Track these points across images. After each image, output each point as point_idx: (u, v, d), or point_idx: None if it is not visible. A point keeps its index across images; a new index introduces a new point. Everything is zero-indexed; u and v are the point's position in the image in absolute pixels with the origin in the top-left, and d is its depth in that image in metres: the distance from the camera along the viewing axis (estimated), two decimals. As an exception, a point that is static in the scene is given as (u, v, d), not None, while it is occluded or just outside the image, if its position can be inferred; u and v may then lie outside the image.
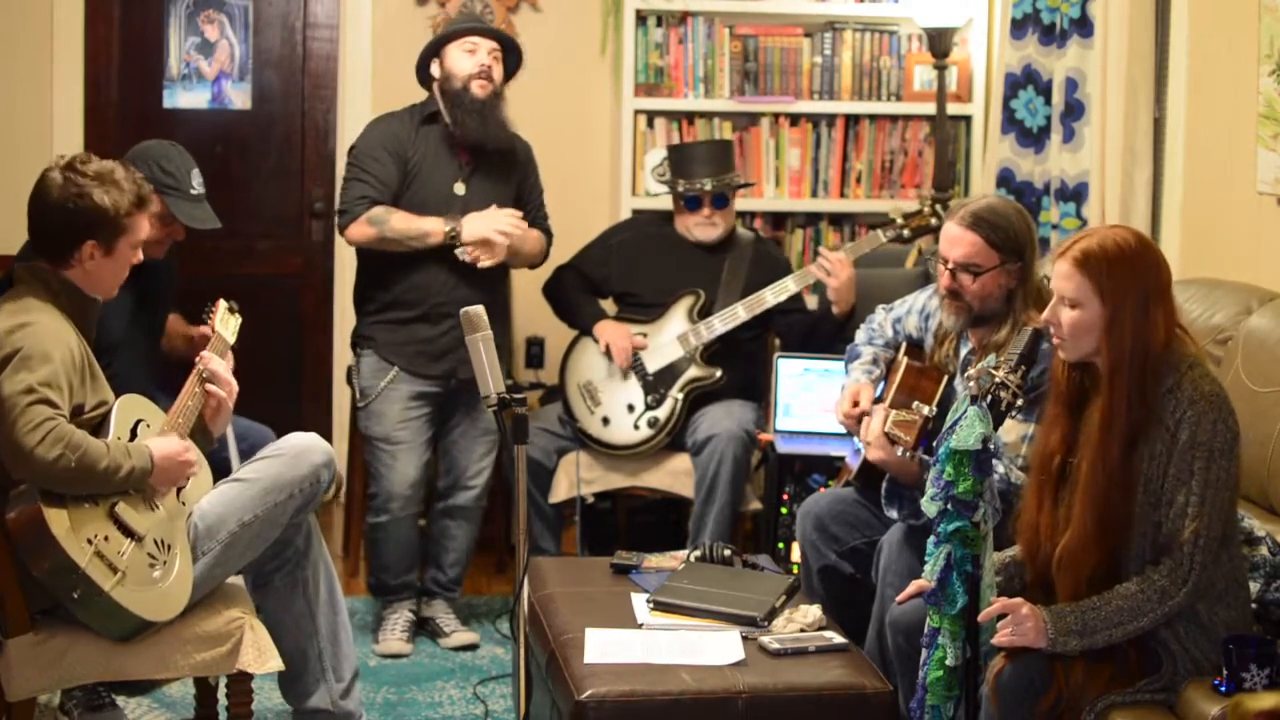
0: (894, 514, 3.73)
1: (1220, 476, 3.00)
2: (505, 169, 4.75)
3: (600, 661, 3.33)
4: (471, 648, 4.73)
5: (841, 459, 4.44)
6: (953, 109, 5.68)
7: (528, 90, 5.67)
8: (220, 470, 3.80)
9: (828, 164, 5.83)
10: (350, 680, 3.80)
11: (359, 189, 4.64)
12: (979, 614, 3.04)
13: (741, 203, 5.28)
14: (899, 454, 3.65)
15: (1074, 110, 5.06)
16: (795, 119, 5.81)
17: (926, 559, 3.12)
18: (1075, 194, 5.06)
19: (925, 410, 3.65)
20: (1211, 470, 2.99)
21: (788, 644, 3.43)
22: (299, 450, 3.65)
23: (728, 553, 3.94)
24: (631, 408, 4.95)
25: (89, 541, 3.21)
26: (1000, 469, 3.41)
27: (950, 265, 3.71)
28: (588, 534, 5.11)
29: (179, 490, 3.50)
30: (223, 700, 3.67)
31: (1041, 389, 3.51)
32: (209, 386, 3.62)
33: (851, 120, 5.84)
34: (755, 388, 5.05)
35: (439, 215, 4.61)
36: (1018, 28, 5.23)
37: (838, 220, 5.92)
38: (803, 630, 3.51)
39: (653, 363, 4.96)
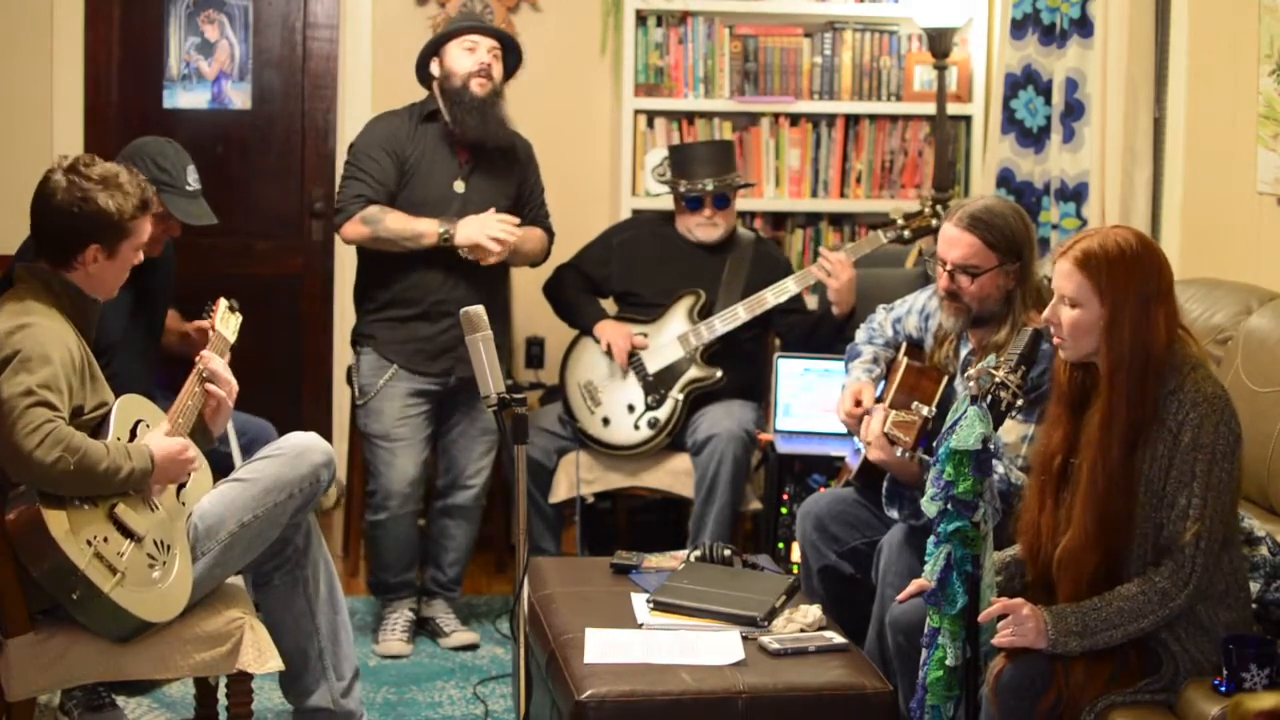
0: (894, 514, 3.73)
1: (1222, 479, 3.00)
2: (505, 167, 4.76)
3: (600, 661, 3.33)
4: (471, 648, 4.73)
5: (841, 459, 4.45)
6: (953, 109, 5.68)
7: (528, 90, 5.67)
8: (221, 467, 3.80)
9: (828, 164, 5.83)
10: (351, 679, 3.80)
11: (355, 188, 4.64)
12: (979, 614, 3.04)
13: (741, 203, 5.28)
14: (899, 454, 3.65)
15: (1074, 110, 5.06)
16: (795, 119, 5.81)
17: (926, 559, 3.12)
18: (1075, 194, 5.06)
19: (925, 411, 3.65)
20: (1214, 473, 2.99)
21: (788, 644, 3.43)
22: (299, 450, 3.65)
23: (728, 553, 3.94)
24: (632, 408, 4.95)
25: (88, 543, 3.21)
26: (1000, 469, 3.41)
27: (948, 267, 3.71)
28: (588, 534, 5.11)
29: (179, 490, 3.50)
30: (223, 700, 3.67)
31: (1042, 389, 3.51)
32: (209, 386, 3.62)
33: (851, 120, 5.84)
34: (755, 388, 5.05)
35: (439, 213, 4.61)
36: (1018, 28, 5.23)
37: (838, 220, 5.92)
38: (803, 630, 3.51)
39: (653, 363, 4.96)
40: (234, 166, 5.83)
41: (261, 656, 3.47)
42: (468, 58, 4.65)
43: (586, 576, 3.93)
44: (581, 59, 5.86)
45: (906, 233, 4.88)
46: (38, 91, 5.58)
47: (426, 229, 4.57)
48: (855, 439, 3.97)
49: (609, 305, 5.17)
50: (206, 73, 5.79)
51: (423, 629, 4.83)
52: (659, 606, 3.63)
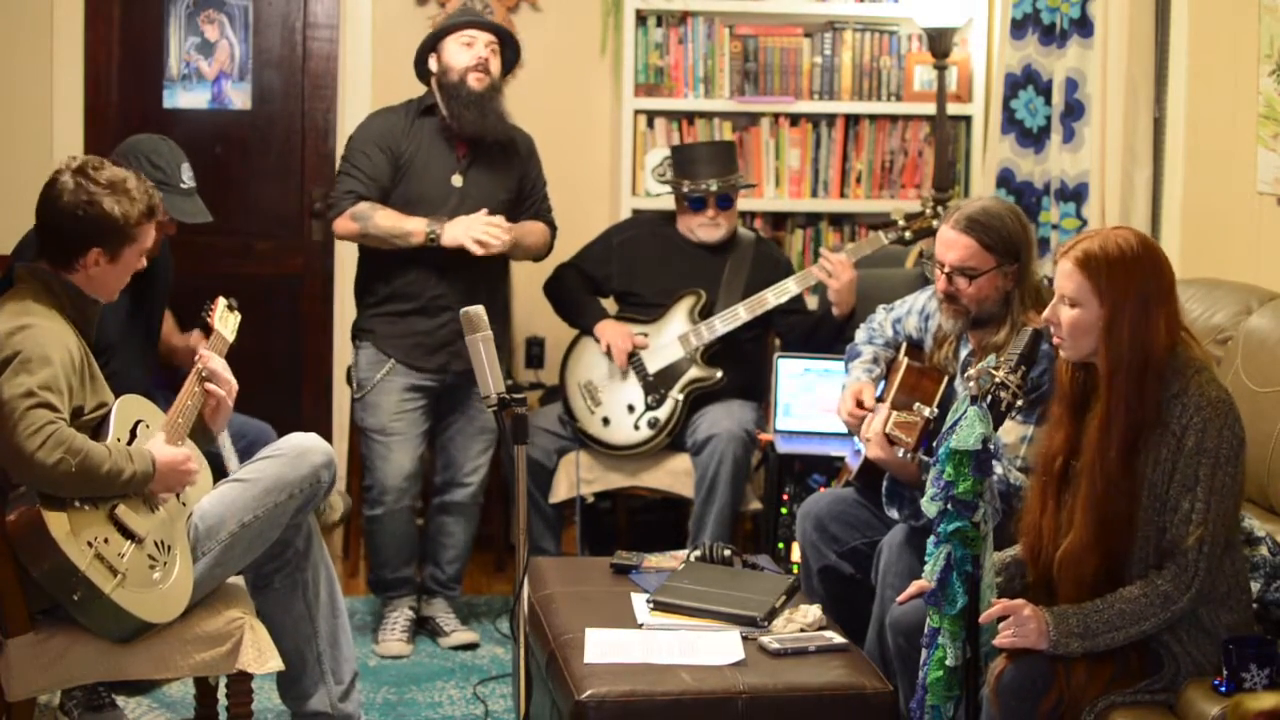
0: (894, 514, 3.73)
1: (1225, 483, 3.00)
2: (504, 161, 4.75)
3: (600, 661, 3.33)
4: (471, 647, 4.74)
5: (841, 459, 4.45)
6: (953, 109, 5.68)
7: (528, 90, 5.68)
8: (219, 469, 3.79)
9: (828, 164, 5.83)
10: (350, 682, 3.79)
11: (347, 184, 4.66)
12: (979, 614, 3.04)
13: (742, 203, 5.28)
14: (899, 455, 3.65)
15: (1074, 110, 5.06)
16: (795, 119, 5.81)
17: (926, 559, 3.12)
18: (1075, 194, 5.06)
19: (926, 411, 3.65)
20: (1217, 477, 2.99)
21: (788, 644, 3.43)
22: (299, 450, 3.65)
23: (728, 553, 3.94)
24: (632, 408, 4.95)
25: (89, 544, 3.20)
26: (999, 470, 3.41)
27: (946, 269, 3.71)
28: (588, 534, 5.11)
29: (179, 491, 3.49)
30: (223, 700, 3.67)
31: (1041, 389, 3.52)
32: (208, 385, 3.61)
33: (851, 120, 5.83)
34: (755, 388, 5.05)
35: (436, 207, 4.62)
36: (1018, 28, 5.23)
37: (838, 220, 5.92)
38: (803, 630, 3.51)
39: (653, 363, 4.96)
40: (234, 166, 5.83)
41: (261, 657, 3.47)
42: (465, 53, 4.65)
43: (586, 576, 3.93)
44: (581, 59, 5.86)
45: (907, 234, 4.88)
46: (38, 91, 5.58)
47: (414, 228, 4.57)
48: (855, 439, 3.97)
49: (609, 305, 5.17)
50: (206, 73, 5.79)
51: (422, 628, 4.83)
52: (659, 606, 3.63)
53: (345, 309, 5.64)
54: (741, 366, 5.01)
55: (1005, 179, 5.27)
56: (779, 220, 5.89)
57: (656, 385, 4.95)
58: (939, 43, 5.42)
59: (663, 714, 3.22)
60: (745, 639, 3.46)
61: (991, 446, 3.00)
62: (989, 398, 3.02)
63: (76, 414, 3.33)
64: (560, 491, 4.96)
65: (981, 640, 3.07)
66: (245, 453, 4.18)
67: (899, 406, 3.76)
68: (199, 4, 5.76)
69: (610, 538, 5.36)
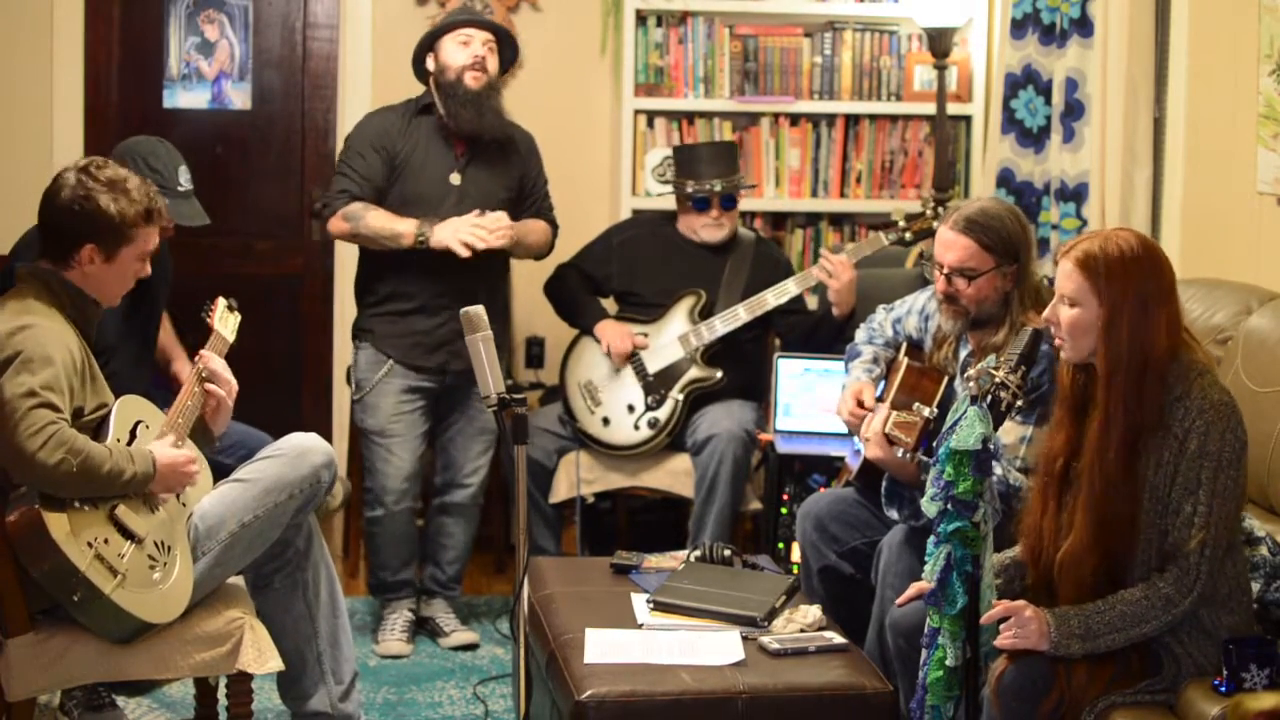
0: (894, 515, 3.73)
1: (1228, 486, 3.00)
2: (502, 159, 4.75)
3: (600, 661, 3.33)
4: (471, 647, 4.73)
5: (841, 459, 4.45)
6: (953, 109, 5.68)
7: (528, 90, 5.67)
8: (215, 470, 3.79)
9: (828, 164, 5.83)
10: (350, 682, 3.79)
11: (341, 183, 4.67)
12: (979, 614, 3.04)
13: (742, 203, 5.27)
14: (899, 455, 3.65)
15: (1074, 110, 5.06)
16: (795, 119, 5.80)
17: (926, 559, 3.12)
18: (1075, 194, 5.06)
19: (926, 412, 3.65)
20: (1219, 480, 2.99)
21: (788, 644, 3.43)
22: (300, 451, 3.65)
23: (728, 553, 3.94)
24: (632, 408, 4.95)
25: (89, 544, 3.20)
26: (998, 470, 3.40)
27: (945, 270, 3.71)
28: (588, 534, 5.11)
29: (179, 492, 3.49)
30: (223, 700, 3.67)
31: (1041, 390, 3.52)
32: (209, 386, 3.61)
33: (851, 120, 5.83)
34: (755, 388, 5.05)
35: (435, 205, 4.61)
36: (1018, 28, 5.23)
37: (838, 220, 5.92)
38: (803, 630, 3.51)
39: (653, 363, 4.96)
40: (234, 166, 5.83)
41: (261, 657, 3.47)
42: (462, 51, 4.65)
43: (586, 576, 3.93)
44: (581, 59, 5.86)
45: (908, 235, 4.88)
46: (38, 91, 5.58)
47: (405, 230, 4.57)
48: (855, 439, 3.97)
49: (609, 305, 5.17)
50: (206, 73, 5.79)
51: (422, 629, 4.83)
52: (659, 606, 3.63)
53: (345, 309, 5.64)
54: (741, 366, 5.01)
55: (1005, 179, 5.27)
56: (779, 220, 5.89)
57: (656, 385, 4.95)
58: (939, 43, 5.42)
59: (663, 714, 3.22)
60: (745, 639, 3.46)
61: (991, 446, 3.00)
62: (989, 398, 3.02)
63: (77, 414, 3.33)
64: (560, 491, 4.96)
65: (981, 640, 3.07)
66: (244, 462, 4.17)
67: (899, 406, 3.76)
68: (199, 4, 5.76)
69: (610, 538, 5.36)
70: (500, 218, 4.60)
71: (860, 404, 3.93)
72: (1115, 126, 4.88)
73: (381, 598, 4.84)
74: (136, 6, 5.73)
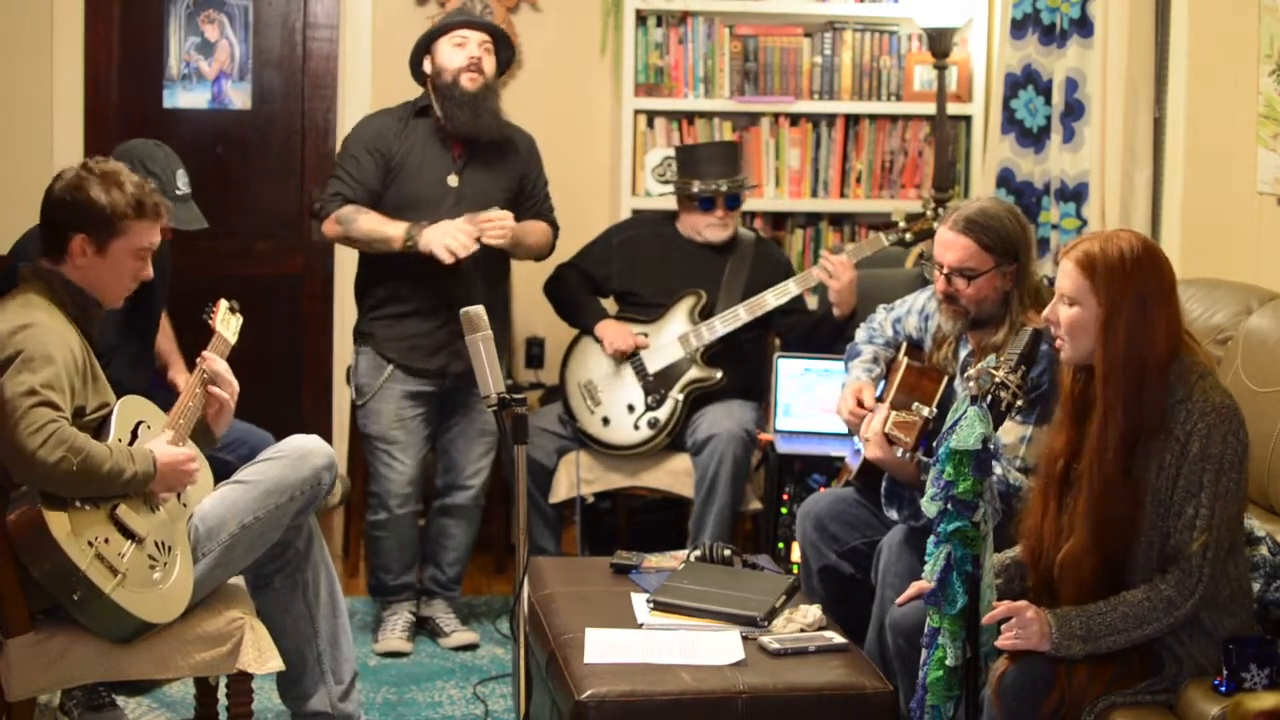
0: (893, 515, 3.73)
1: (1229, 489, 3.00)
2: (500, 161, 4.75)
3: (600, 661, 3.33)
4: (471, 648, 4.73)
5: (841, 459, 4.45)
6: (953, 109, 5.68)
7: (528, 90, 5.68)
8: (216, 471, 3.79)
9: (828, 164, 5.83)
10: (350, 682, 3.79)
11: (334, 186, 4.67)
12: (979, 614, 3.04)
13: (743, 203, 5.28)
14: (898, 455, 3.65)
15: (1074, 110, 5.06)
16: (795, 119, 5.81)
17: (926, 559, 3.12)
18: (1075, 194, 5.06)
19: (925, 411, 3.65)
20: (1221, 483, 2.99)
21: (788, 644, 3.43)
22: (300, 452, 3.65)
23: (728, 553, 3.94)
24: (632, 408, 4.95)
25: (89, 544, 3.20)
26: (998, 470, 3.41)
27: (945, 270, 3.71)
28: (588, 534, 5.11)
29: (180, 492, 3.49)
30: (223, 700, 3.67)
31: (1041, 389, 3.52)
32: (211, 389, 3.61)
33: (851, 120, 5.84)
34: (755, 388, 5.05)
35: (432, 207, 4.61)
36: (1018, 28, 5.23)
37: (838, 220, 5.92)
38: (803, 630, 3.51)
39: (653, 363, 4.96)
40: (234, 166, 5.83)
41: (261, 657, 3.47)
42: (458, 53, 4.65)
43: (586, 576, 3.93)
44: (581, 59, 5.86)
45: (908, 235, 4.89)
46: (38, 91, 5.58)
47: (394, 234, 4.57)
48: (855, 439, 3.97)
49: (609, 305, 5.17)
50: (206, 73, 5.79)
51: (422, 629, 4.83)
52: (659, 606, 3.63)
53: (345, 309, 5.64)
54: (741, 366, 5.01)
55: (1005, 179, 5.27)
56: (779, 220, 5.89)
57: (656, 385, 4.95)
58: (939, 43, 5.42)
59: (663, 714, 3.22)
60: (745, 639, 3.46)
61: (991, 446, 3.00)
62: (989, 398, 3.02)
63: (78, 414, 3.33)
64: (560, 491, 4.96)
65: (982, 640, 3.07)
66: (246, 460, 4.17)
67: (898, 406, 3.76)
68: (199, 4, 5.76)
69: (610, 538, 5.36)
70: (505, 216, 4.60)
71: (860, 403, 3.93)
72: (1115, 126, 4.88)
73: (382, 600, 4.84)
74: (136, 6, 5.73)
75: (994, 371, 3.05)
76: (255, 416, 4.45)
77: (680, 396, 4.94)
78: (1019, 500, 3.44)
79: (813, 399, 4.90)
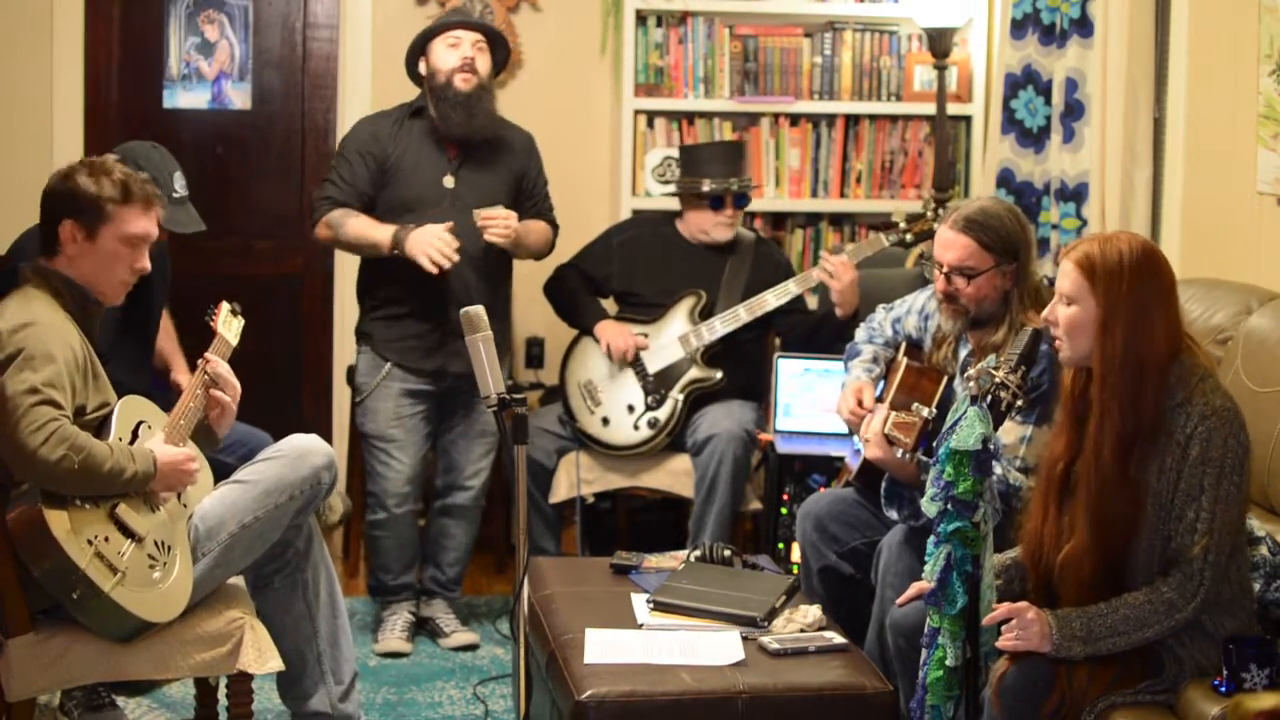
0: (893, 515, 3.73)
1: (1230, 492, 3.00)
2: (497, 161, 4.75)
3: (600, 661, 3.33)
4: (471, 648, 4.73)
5: (841, 459, 4.45)
6: (953, 109, 5.68)
7: (528, 90, 5.68)
8: (216, 472, 3.79)
9: (828, 164, 5.83)
10: (350, 683, 3.79)
11: (326, 189, 4.69)
12: (979, 614, 3.04)
13: (743, 203, 5.29)
14: (898, 455, 3.65)
15: (1074, 110, 5.06)
16: (795, 119, 5.80)
17: (926, 559, 3.12)
18: (1075, 194, 5.06)
19: (925, 412, 3.65)
20: (1222, 486, 2.99)
21: (788, 644, 3.43)
22: (300, 452, 3.65)
23: (728, 553, 3.94)
24: (632, 408, 4.95)
25: (89, 542, 3.21)
26: (998, 470, 3.41)
27: (945, 269, 3.71)
28: (588, 534, 5.11)
29: (180, 492, 3.49)
30: (223, 700, 3.67)
31: (1041, 389, 3.52)
32: (213, 392, 3.61)
33: (851, 120, 5.83)
34: (755, 388, 5.05)
35: (430, 208, 4.61)
36: (1018, 28, 5.23)
37: (838, 220, 5.92)
38: (803, 630, 3.51)
39: (653, 363, 4.96)
40: (234, 166, 5.83)
41: (262, 657, 3.47)
42: (451, 53, 4.65)
43: (586, 576, 3.93)
44: (581, 59, 5.86)
45: (908, 236, 4.89)
46: (38, 91, 5.58)
47: (381, 238, 4.57)
48: (855, 439, 3.97)
49: (609, 305, 5.17)
50: (206, 73, 5.79)
51: (422, 629, 4.83)
52: (659, 606, 3.63)
53: (345, 309, 5.64)
54: (741, 367, 5.01)
55: (1005, 179, 5.27)
56: (779, 220, 5.89)
57: (656, 386, 4.95)
58: (939, 43, 5.42)
59: (663, 714, 3.22)
60: (745, 639, 3.46)
61: (991, 446, 3.00)
62: (989, 398, 3.02)
63: (79, 412, 3.33)
64: (560, 492, 4.96)
65: (982, 640, 3.07)
66: (245, 461, 4.17)
67: (898, 407, 3.76)
68: (199, 4, 5.76)
69: (610, 538, 5.36)
70: (509, 215, 4.60)
71: (860, 403, 3.93)
72: (1115, 126, 4.88)
73: (381, 600, 4.84)
74: (136, 6, 5.73)
75: (994, 371, 3.05)
76: (255, 417, 4.44)
77: (680, 397, 4.94)
78: (1019, 500, 3.44)
79: (813, 399, 4.90)
